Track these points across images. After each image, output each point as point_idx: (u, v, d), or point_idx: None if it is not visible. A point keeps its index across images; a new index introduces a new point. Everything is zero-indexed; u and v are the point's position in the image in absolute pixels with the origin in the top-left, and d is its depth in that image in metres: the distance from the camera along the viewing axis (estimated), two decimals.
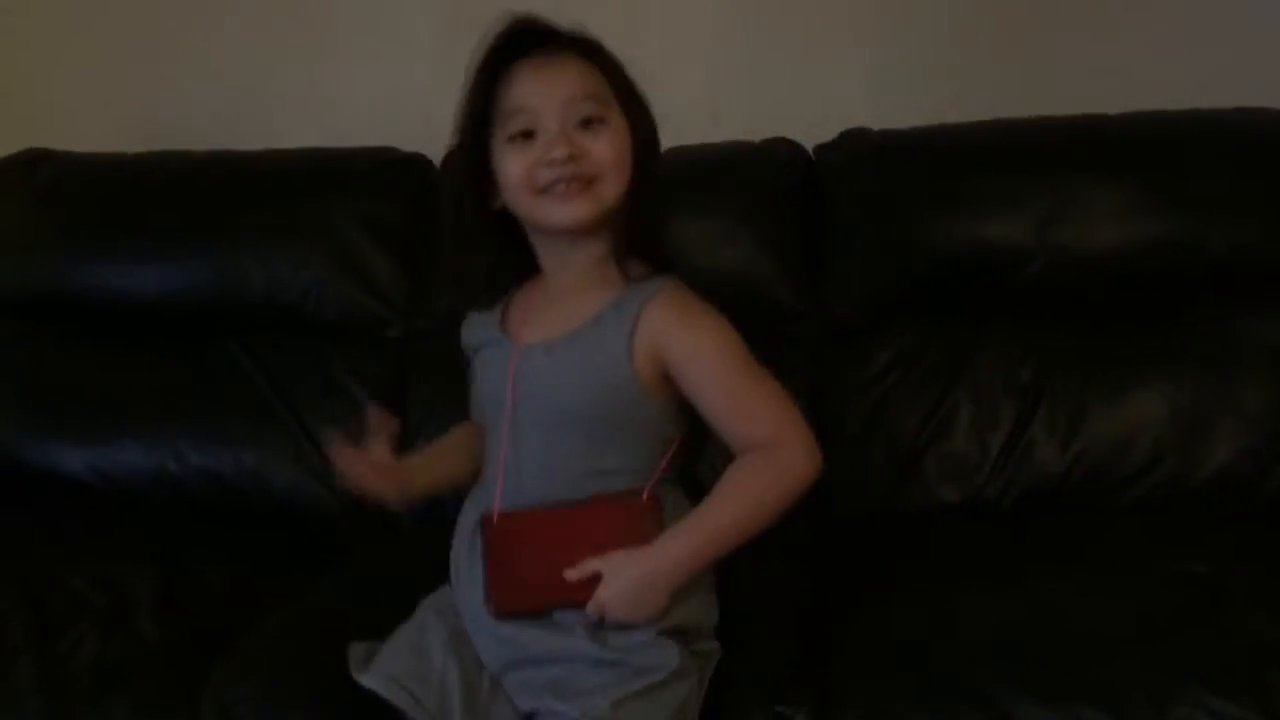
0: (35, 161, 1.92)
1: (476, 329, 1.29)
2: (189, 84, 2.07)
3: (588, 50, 1.20)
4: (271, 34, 2.03)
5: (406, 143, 1.84)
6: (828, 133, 1.76)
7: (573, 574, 1.14)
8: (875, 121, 1.75)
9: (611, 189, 1.17)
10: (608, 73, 1.19)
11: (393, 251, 1.77)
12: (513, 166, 1.17)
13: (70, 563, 1.51)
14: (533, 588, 1.16)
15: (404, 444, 1.69)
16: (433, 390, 1.69)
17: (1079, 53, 1.83)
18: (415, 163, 1.83)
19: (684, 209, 1.64)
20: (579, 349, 1.18)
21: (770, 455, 1.15)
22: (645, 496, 1.16)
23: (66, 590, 1.46)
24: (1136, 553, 1.40)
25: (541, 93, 1.16)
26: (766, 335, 1.61)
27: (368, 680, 1.16)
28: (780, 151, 1.75)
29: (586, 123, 1.16)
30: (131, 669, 1.34)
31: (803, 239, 1.69)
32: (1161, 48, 1.81)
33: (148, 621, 1.41)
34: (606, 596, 1.13)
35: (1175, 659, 1.19)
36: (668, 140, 1.69)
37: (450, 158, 1.32)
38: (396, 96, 2.00)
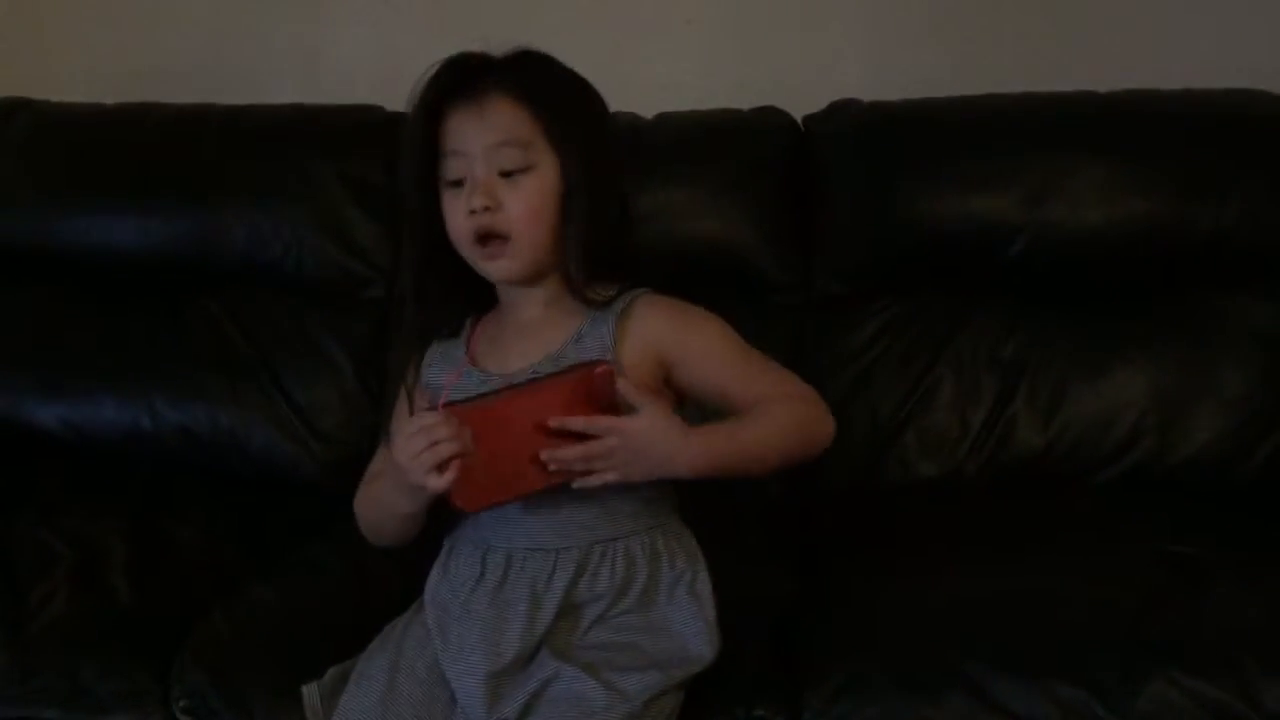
0: (11, 110, 1.88)
1: (440, 366, 1.24)
2: (172, 34, 2.03)
3: (518, 86, 1.16)
4: None
5: (392, 102, 1.81)
6: (818, 103, 1.74)
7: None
8: (866, 93, 1.73)
9: (527, 246, 1.16)
10: (537, 109, 1.16)
11: (375, 211, 1.75)
12: (451, 217, 1.17)
13: (41, 517, 1.51)
14: (504, 479, 1.10)
15: (384, 409, 1.70)
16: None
17: (1072, 28, 1.82)
18: (399, 122, 1.79)
19: (670, 177, 1.65)
20: (565, 365, 1.15)
21: (807, 403, 1.17)
22: (600, 368, 1.10)
23: (37, 544, 1.45)
24: (1115, 531, 1.41)
25: (468, 137, 1.15)
26: (750, 306, 1.63)
27: None
28: (769, 121, 1.73)
29: (508, 173, 1.15)
30: (101, 629, 1.33)
31: (789, 210, 1.68)
32: (1156, 26, 1.80)
33: (119, 580, 1.40)
34: (631, 427, 1.08)
35: (1151, 638, 1.19)
36: (658, 106, 1.71)
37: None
38: (383, 54, 1.97)
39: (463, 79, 1.17)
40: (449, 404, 1.12)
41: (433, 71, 1.18)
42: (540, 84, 1.18)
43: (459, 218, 1.16)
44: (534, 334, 1.19)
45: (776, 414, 1.15)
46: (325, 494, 1.65)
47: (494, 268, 1.18)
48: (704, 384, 1.19)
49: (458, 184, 1.16)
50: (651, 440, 1.10)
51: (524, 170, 1.15)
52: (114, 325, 1.78)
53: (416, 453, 1.08)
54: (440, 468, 1.08)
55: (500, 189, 1.15)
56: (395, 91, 1.77)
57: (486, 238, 1.15)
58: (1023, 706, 1.15)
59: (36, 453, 1.74)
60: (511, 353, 1.19)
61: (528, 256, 1.16)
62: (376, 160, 1.76)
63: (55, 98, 1.90)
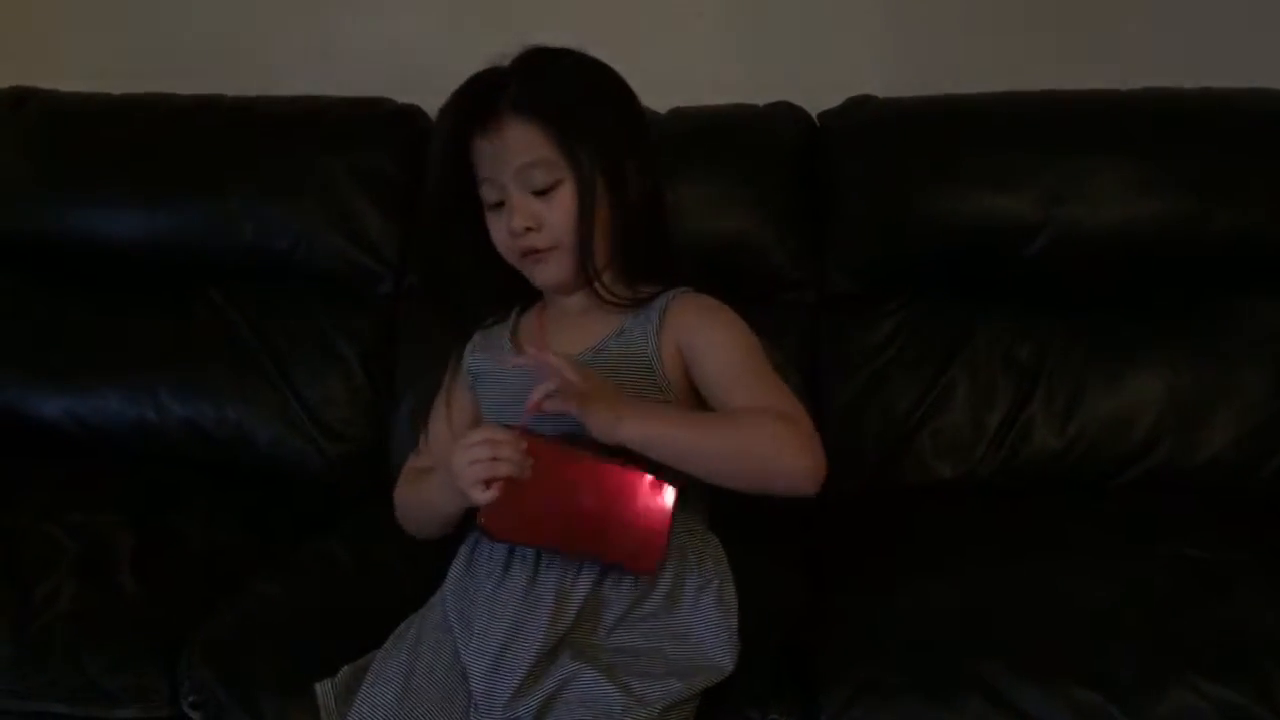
0: (19, 100, 1.87)
1: (484, 353, 1.28)
2: (180, 25, 2.03)
3: (530, 103, 1.18)
4: None
5: (402, 94, 1.81)
6: (832, 98, 1.73)
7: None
8: (882, 89, 1.72)
9: (570, 254, 1.20)
10: (551, 124, 1.18)
11: (384, 205, 1.74)
12: (496, 235, 1.23)
13: (48, 510, 1.50)
14: (541, 525, 1.11)
15: (392, 404, 1.69)
16: (423, 350, 1.65)
17: (1091, 26, 1.81)
18: (410, 115, 1.79)
19: (682, 173, 1.62)
20: (608, 358, 1.19)
21: (788, 425, 1.12)
22: (649, 480, 1.12)
23: (43, 537, 1.44)
24: (1133, 535, 1.39)
25: (495, 165, 1.19)
26: (764, 303, 1.62)
27: None
28: (784, 116, 1.72)
29: (541, 192, 1.18)
30: (108, 624, 1.33)
31: (804, 206, 1.67)
32: (1177, 24, 1.78)
33: (125, 575, 1.39)
34: (579, 375, 1.10)
35: (1170, 642, 1.18)
36: (670, 101, 1.69)
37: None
38: (393, 47, 1.97)
39: (476, 106, 1.19)
40: (528, 432, 1.12)
41: (447, 103, 1.21)
42: (551, 94, 1.20)
43: (503, 236, 1.21)
44: (577, 325, 1.23)
45: (742, 420, 1.14)
46: (332, 489, 1.65)
47: (539, 275, 1.23)
48: (704, 380, 1.20)
49: (498, 205, 1.20)
50: (602, 384, 1.12)
51: (555, 185, 1.18)
52: (119, 318, 1.78)
53: (474, 460, 1.09)
54: (488, 484, 1.08)
55: (536, 206, 1.19)
56: (405, 84, 1.80)
57: (531, 252, 1.20)
58: (1039, 710, 1.14)
59: (41, 446, 1.73)
60: (554, 343, 1.21)
61: (569, 264, 1.20)
62: (386, 153, 1.76)
63: (63, 87, 1.90)
